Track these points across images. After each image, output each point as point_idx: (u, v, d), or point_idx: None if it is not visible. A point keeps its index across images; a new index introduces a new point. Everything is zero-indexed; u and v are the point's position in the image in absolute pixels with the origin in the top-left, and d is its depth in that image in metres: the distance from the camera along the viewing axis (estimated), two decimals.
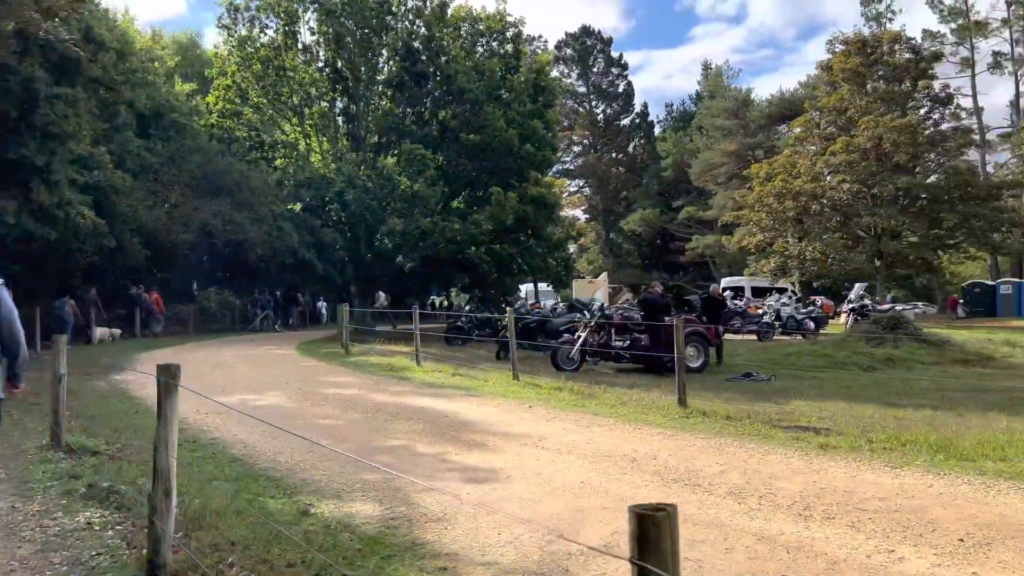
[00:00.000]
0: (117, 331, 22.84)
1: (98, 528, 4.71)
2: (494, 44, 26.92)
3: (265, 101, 26.78)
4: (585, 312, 14.62)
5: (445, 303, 46.00)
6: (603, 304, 14.68)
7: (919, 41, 39.60)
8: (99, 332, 21.93)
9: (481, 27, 26.67)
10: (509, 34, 26.72)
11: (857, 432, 7.67)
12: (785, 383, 12.92)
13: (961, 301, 42.95)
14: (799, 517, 4.90)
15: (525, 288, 40.02)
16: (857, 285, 24.14)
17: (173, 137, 27.88)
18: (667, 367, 14.10)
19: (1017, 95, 51.03)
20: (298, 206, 26.73)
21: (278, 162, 27.70)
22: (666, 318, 14.25)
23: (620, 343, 14.20)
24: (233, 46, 26.49)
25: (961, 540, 4.40)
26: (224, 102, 27.06)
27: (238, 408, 8.02)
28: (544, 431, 7.95)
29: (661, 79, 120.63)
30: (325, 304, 35.72)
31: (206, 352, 19.46)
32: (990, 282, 44.69)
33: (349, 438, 7.89)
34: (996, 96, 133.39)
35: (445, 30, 25.07)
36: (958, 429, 7.86)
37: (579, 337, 14.21)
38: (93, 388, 11.83)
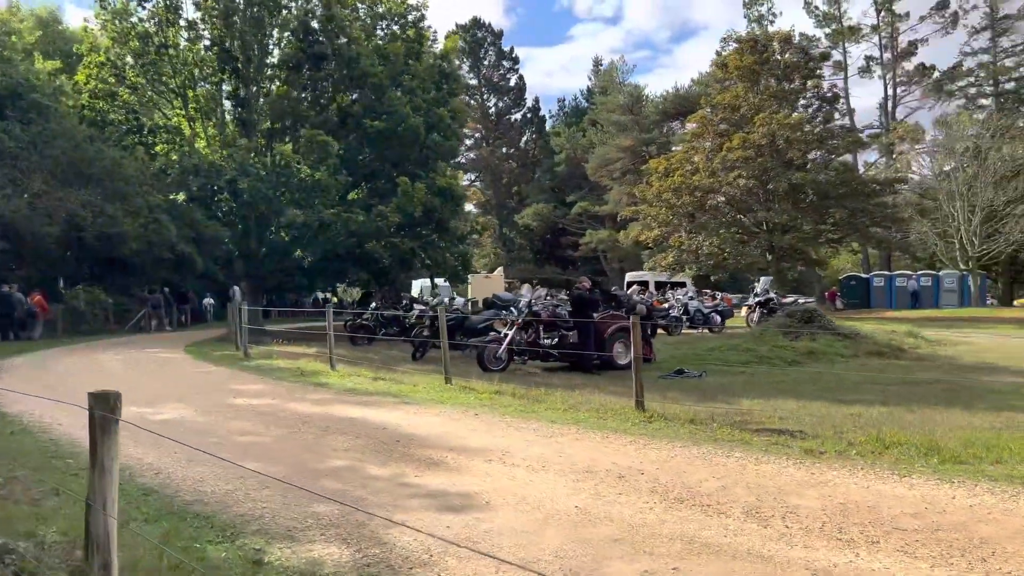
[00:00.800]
0: None
1: None
2: (395, 28, 25.73)
3: (144, 81, 24.50)
4: (512, 309, 13.91)
5: (334, 299, 44.27)
6: (531, 300, 13.99)
7: (801, 42, 41.06)
8: None
9: (381, 9, 25.42)
10: (411, 17, 25.60)
11: (831, 434, 7.31)
12: (719, 379, 12.65)
13: (839, 294, 45.24)
14: (841, 542, 4.34)
15: (419, 284, 38.88)
16: (763, 279, 24.60)
17: (34, 120, 25.08)
18: (595, 365, 13.67)
19: (886, 97, 54.20)
20: (182, 196, 24.65)
21: (159, 148, 25.45)
22: (595, 315, 13.80)
23: (548, 341, 13.57)
24: (107, 19, 24.05)
25: None
26: (96, 81, 24.57)
27: (140, 425, 6.78)
28: (504, 444, 7.16)
29: (543, 76, 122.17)
30: (212, 302, 33.44)
31: (82, 356, 17.49)
32: (864, 275, 47.29)
33: (280, 459, 6.84)
34: (863, 99, 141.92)
35: (343, 11, 23.65)
36: (928, 428, 7.64)
37: (505, 335, 13.49)
38: None
